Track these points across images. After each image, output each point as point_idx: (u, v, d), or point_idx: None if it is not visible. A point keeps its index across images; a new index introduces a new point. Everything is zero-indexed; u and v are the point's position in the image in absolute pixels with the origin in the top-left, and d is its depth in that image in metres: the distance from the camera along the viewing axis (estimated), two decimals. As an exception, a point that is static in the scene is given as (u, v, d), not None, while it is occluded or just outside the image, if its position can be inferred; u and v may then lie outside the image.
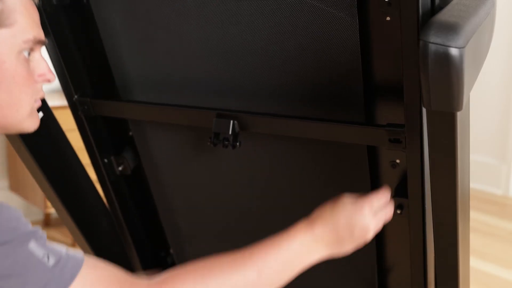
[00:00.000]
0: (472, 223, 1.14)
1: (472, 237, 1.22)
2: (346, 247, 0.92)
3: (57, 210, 1.40)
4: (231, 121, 1.10)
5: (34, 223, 3.02)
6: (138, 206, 1.49)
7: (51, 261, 0.74)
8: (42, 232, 0.77)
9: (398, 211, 1.07)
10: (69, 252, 0.78)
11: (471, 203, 1.14)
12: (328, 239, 0.91)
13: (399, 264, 1.22)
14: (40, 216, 3.11)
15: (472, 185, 2.67)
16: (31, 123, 0.87)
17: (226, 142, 1.16)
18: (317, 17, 0.96)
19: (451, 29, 0.70)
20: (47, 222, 3.07)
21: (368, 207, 0.92)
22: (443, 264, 1.02)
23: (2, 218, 0.72)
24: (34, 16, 0.85)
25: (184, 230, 1.50)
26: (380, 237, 1.20)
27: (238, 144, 1.16)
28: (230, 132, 1.14)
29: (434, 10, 0.82)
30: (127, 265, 1.48)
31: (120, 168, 1.39)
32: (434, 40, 0.70)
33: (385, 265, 1.24)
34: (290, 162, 1.21)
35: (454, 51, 0.69)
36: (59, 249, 0.77)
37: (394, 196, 1.06)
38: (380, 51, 0.97)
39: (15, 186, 3.01)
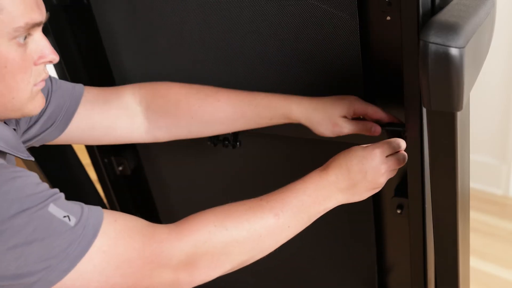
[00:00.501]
0: (472, 223, 1.14)
1: (472, 237, 1.22)
2: (361, 192, 0.92)
3: (57, 210, 1.40)
4: (231, 121, 1.09)
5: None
6: (138, 206, 1.49)
7: (73, 221, 0.74)
8: (60, 193, 0.76)
9: (398, 211, 1.07)
10: (88, 209, 0.77)
11: (471, 203, 1.14)
12: (342, 183, 0.90)
13: (399, 264, 1.22)
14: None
15: (472, 185, 2.67)
16: (32, 107, 0.82)
17: (226, 142, 1.16)
18: (318, 17, 0.96)
19: (451, 29, 0.70)
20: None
21: (378, 150, 0.92)
22: (443, 264, 1.02)
23: (17, 186, 0.72)
24: None
25: (184, 230, 1.50)
26: (380, 237, 1.20)
27: (238, 144, 1.16)
28: (230, 132, 1.14)
29: (434, 10, 0.82)
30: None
31: (120, 168, 1.39)
32: (434, 40, 0.70)
33: (385, 265, 1.24)
34: (290, 162, 1.21)
35: (454, 51, 0.69)
36: (78, 207, 0.77)
37: (394, 196, 1.06)
38: (380, 51, 0.97)
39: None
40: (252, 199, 0.88)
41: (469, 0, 0.81)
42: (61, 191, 0.79)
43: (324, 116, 0.98)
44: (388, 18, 0.91)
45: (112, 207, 1.44)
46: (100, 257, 0.75)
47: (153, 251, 0.79)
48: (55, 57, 0.82)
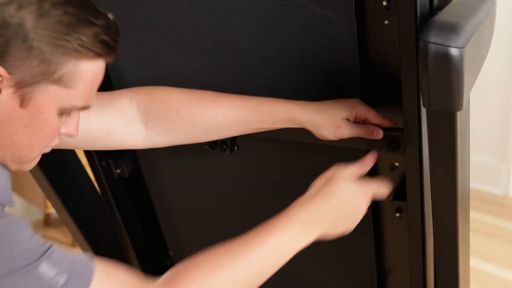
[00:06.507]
0: (472, 223, 1.14)
1: (472, 237, 1.22)
2: (344, 218, 0.94)
3: (57, 210, 1.40)
4: (229, 124, 1.09)
5: (34, 223, 3.02)
6: (136, 209, 1.49)
7: (61, 281, 0.73)
8: (52, 247, 0.76)
9: (397, 215, 1.06)
10: (80, 263, 0.77)
11: (471, 203, 1.14)
12: (321, 216, 0.92)
13: (398, 267, 1.21)
14: (40, 216, 3.11)
15: (472, 185, 2.66)
16: (29, 165, 0.84)
17: (224, 146, 1.15)
18: (315, 21, 0.96)
19: (451, 29, 0.70)
20: (47, 222, 3.07)
21: (345, 169, 0.94)
22: (443, 265, 1.02)
23: (10, 242, 0.72)
24: (95, 86, 0.81)
25: (183, 232, 1.50)
26: (379, 241, 1.19)
27: (236, 148, 1.15)
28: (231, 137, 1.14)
29: (432, 12, 0.82)
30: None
31: (118, 171, 1.39)
32: (434, 40, 0.70)
33: (384, 268, 1.23)
34: (288, 166, 1.21)
35: (454, 51, 0.69)
36: (69, 262, 0.76)
37: (393, 199, 1.06)
38: (379, 54, 0.96)
39: (15, 186, 3.01)
40: (235, 243, 0.88)
41: (469, 0, 0.81)
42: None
43: (326, 118, 0.96)
44: (386, 22, 0.91)
45: (111, 210, 1.43)
46: None
47: None
48: (76, 134, 0.85)
